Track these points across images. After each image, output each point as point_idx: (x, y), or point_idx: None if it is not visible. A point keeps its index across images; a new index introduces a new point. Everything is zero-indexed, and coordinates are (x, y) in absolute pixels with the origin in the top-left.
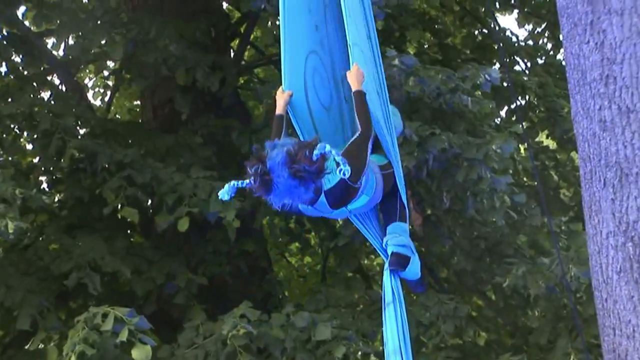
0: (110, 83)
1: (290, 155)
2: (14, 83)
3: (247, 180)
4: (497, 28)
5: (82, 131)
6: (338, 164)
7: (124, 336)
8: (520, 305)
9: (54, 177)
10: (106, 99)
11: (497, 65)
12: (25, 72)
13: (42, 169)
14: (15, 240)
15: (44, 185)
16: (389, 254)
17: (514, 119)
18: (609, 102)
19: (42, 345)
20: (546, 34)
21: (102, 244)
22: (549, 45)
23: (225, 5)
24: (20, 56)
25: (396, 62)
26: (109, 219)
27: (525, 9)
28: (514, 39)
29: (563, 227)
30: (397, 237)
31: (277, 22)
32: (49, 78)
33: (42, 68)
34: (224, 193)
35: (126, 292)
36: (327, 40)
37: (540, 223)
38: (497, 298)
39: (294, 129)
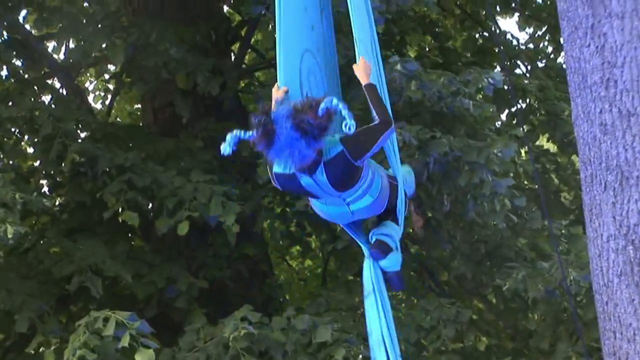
0: (110, 87)
1: (295, 108)
2: (14, 87)
3: (250, 132)
4: (497, 31)
5: (82, 135)
6: (344, 119)
7: (125, 341)
8: (520, 308)
9: (54, 181)
10: (107, 102)
11: (498, 69)
12: (26, 76)
13: (43, 172)
14: (15, 244)
15: (45, 189)
16: (372, 242)
17: (514, 122)
18: (609, 105)
19: (43, 349)
20: (547, 37)
21: (102, 247)
22: (550, 49)
23: (225, 8)
24: (21, 60)
25: (398, 67)
26: (109, 223)
27: (526, 12)
28: (515, 42)
29: (563, 231)
30: (384, 228)
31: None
32: (49, 82)
33: (42, 72)
34: (226, 146)
35: (127, 295)
36: (323, 40)
37: (540, 226)
38: (497, 301)
39: None
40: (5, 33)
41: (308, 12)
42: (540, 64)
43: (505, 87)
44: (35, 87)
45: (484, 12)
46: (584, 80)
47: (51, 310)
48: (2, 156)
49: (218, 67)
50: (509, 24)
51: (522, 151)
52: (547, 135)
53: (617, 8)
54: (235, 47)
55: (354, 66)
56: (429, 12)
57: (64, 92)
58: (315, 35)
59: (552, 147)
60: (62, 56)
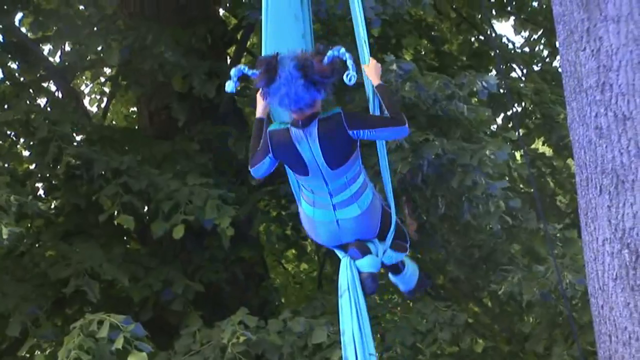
0: (106, 90)
1: (302, 54)
2: (10, 90)
3: (254, 70)
4: (493, 35)
5: (78, 138)
6: (347, 69)
7: (119, 344)
8: (516, 312)
9: (50, 184)
10: (102, 105)
11: (494, 72)
12: (22, 79)
13: (39, 175)
14: (11, 246)
15: (41, 192)
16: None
17: (510, 125)
18: (605, 109)
19: (38, 352)
20: (542, 41)
21: (98, 251)
22: (545, 52)
23: (222, 12)
24: (17, 63)
25: (394, 67)
26: (105, 226)
27: (522, 16)
28: (510, 45)
29: (558, 234)
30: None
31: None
32: (45, 85)
33: (38, 75)
34: (230, 83)
35: (123, 298)
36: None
37: (535, 227)
38: (493, 305)
39: None
40: (0, 36)
41: (298, 21)
42: (536, 68)
43: (501, 91)
44: (31, 90)
45: (479, 16)
46: (579, 84)
47: (45, 313)
48: None
49: (214, 70)
50: (504, 28)
51: (518, 155)
52: (542, 138)
53: (613, 12)
54: (232, 50)
55: (364, 66)
56: (425, 16)
57: (60, 95)
58: (305, 43)
59: (547, 151)
60: (57, 59)
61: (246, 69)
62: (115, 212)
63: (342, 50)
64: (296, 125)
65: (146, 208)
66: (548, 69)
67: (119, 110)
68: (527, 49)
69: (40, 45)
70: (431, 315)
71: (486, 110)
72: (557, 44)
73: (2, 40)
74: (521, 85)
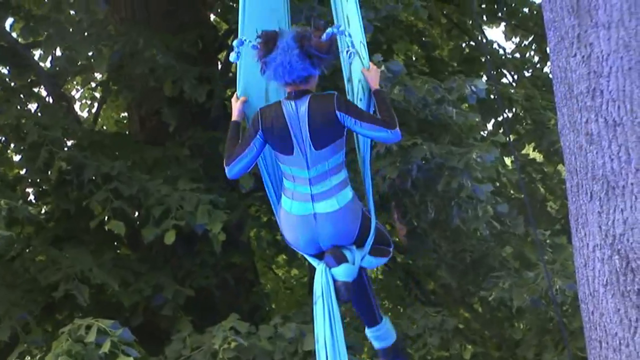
0: (97, 95)
1: (303, 29)
2: (0, 95)
3: (254, 43)
4: (484, 41)
5: (69, 143)
6: (348, 47)
7: (106, 348)
8: (506, 317)
9: (40, 189)
10: (93, 110)
11: (485, 78)
12: (12, 84)
13: (29, 181)
14: (1, 251)
15: (31, 197)
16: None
17: (500, 131)
18: (595, 115)
19: (28, 358)
20: (533, 47)
21: (89, 256)
22: (536, 58)
23: (212, 17)
24: (7, 68)
25: (382, 68)
26: (96, 231)
27: (513, 22)
28: (501, 51)
29: (548, 240)
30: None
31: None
32: (36, 90)
33: (29, 80)
34: (233, 54)
35: (113, 304)
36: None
37: (523, 232)
38: (483, 310)
39: None
40: None
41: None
42: (526, 74)
43: (492, 96)
44: (22, 95)
45: (470, 22)
46: (570, 90)
47: (36, 319)
48: None
49: (205, 75)
50: (495, 34)
51: (509, 160)
52: (533, 144)
53: (604, 18)
54: (222, 55)
55: (364, 70)
56: (416, 22)
57: (51, 100)
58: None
59: (538, 157)
60: (48, 64)
61: (246, 40)
62: (106, 218)
63: (342, 27)
64: (289, 97)
65: (137, 213)
66: (539, 75)
67: (110, 115)
68: (517, 55)
69: (31, 50)
70: (421, 320)
71: (476, 115)
72: (548, 50)
73: None
74: (512, 91)
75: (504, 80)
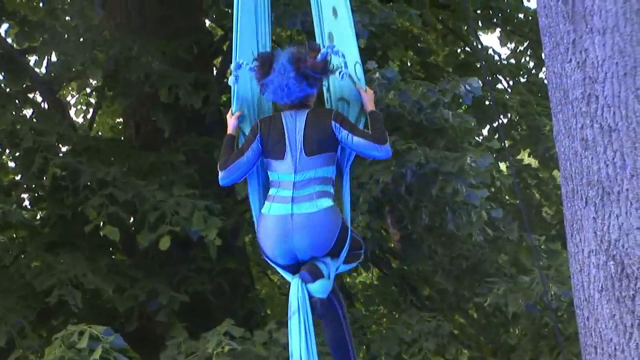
0: (92, 100)
1: (298, 50)
2: None
3: (252, 65)
4: (479, 46)
5: (64, 149)
6: (340, 67)
7: (97, 354)
8: (502, 323)
9: (35, 195)
10: (88, 116)
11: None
12: (8, 90)
13: (24, 186)
14: None
15: (26, 203)
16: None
17: (496, 137)
18: (590, 120)
19: None
20: (528, 53)
21: (83, 261)
22: (531, 64)
23: (207, 22)
24: (2, 74)
25: (377, 75)
26: (91, 237)
27: (508, 28)
28: (497, 57)
29: (543, 246)
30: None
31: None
32: (31, 96)
33: (24, 85)
34: (232, 77)
35: (108, 309)
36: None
37: (518, 238)
38: (479, 316)
39: None
40: None
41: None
42: (522, 79)
43: (487, 102)
44: (17, 101)
45: (466, 27)
46: (565, 96)
47: (31, 324)
48: None
49: (200, 81)
50: (491, 39)
51: (504, 166)
52: (528, 150)
53: (599, 24)
54: (218, 61)
55: (362, 92)
56: (411, 27)
57: (46, 106)
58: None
59: (533, 162)
60: (44, 70)
61: (244, 62)
62: (101, 223)
63: (336, 48)
64: (290, 109)
65: (132, 219)
66: (534, 81)
67: (105, 121)
68: (513, 61)
69: (27, 56)
70: (416, 325)
71: (471, 119)
72: (543, 56)
73: None
74: (507, 96)
75: (499, 86)
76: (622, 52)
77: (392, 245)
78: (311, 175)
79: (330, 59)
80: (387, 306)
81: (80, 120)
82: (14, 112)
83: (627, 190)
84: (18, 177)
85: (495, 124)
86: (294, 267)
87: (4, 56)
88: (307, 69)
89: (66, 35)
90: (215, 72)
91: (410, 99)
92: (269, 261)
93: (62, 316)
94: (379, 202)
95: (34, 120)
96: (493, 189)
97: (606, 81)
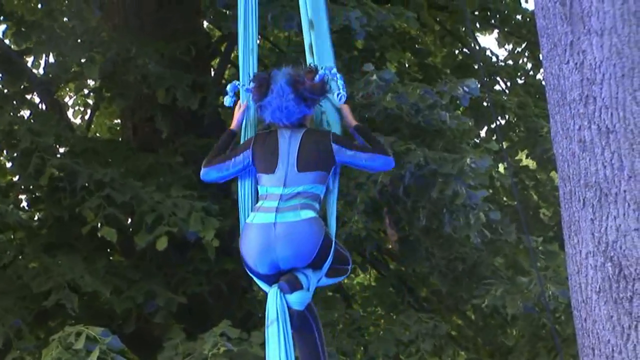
0: (90, 101)
1: (295, 71)
2: None
3: (249, 86)
4: (477, 48)
5: (61, 150)
6: (337, 89)
7: (94, 356)
8: (499, 325)
9: (33, 196)
10: (86, 117)
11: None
12: (5, 91)
13: (22, 187)
14: None
15: (24, 204)
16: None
17: (494, 138)
18: (588, 122)
19: None
20: (526, 54)
21: (81, 263)
22: (529, 65)
23: (205, 24)
24: (0, 74)
25: (374, 77)
26: (88, 238)
27: (506, 29)
28: (494, 58)
29: (541, 247)
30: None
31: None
32: (28, 96)
33: (22, 86)
34: (227, 98)
35: (106, 310)
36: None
37: (515, 240)
38: (476, 318)
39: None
40: None
41: None
42: (519, 81)
43: (485, 104)
44: (14, 102)
45: (463, 29)
46: (563, 97)
47: (28, 326)
48: None
49: (198, 83)
50: (488, 41)
51: (501, 167)
52: (526, 151)
53: (597, 25)
54: (215, 62)
55: (342, 106)
56: (408, 29)
57: (44, 107)
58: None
59: (531, 164)
60: (41, 71)
61: (240, 84)
62: (99, 225)
63: (334, 70)
64: (287, 127)
65: (129, 220)
66: (532, 82)
67: (103, 122)
68: (510, 62)
69: (24, 57)
70: (414, 326)
71: (469, 120)
72: (541, 57)
73: None
74: (505, 98)
75: (497, 87)
76: (619, 54)
77: (390, 246)
78: (299, 190)
79: (328, 80)
80: (385, 307)
81: (77, 121)
82: (11, 113)
83: (624, 191)
84: (16, 178)
85: (492, 126)
86: (274, 278)
87: (2, 57)
88: (306, 91)
89: (64, 35)
90: (212, 73)
91: (407, 101)
92: (248, 271)
93: (59, 317)
94: (376, 203)
95: (32, 121)
96: (491, 191)
97: (604, 83)
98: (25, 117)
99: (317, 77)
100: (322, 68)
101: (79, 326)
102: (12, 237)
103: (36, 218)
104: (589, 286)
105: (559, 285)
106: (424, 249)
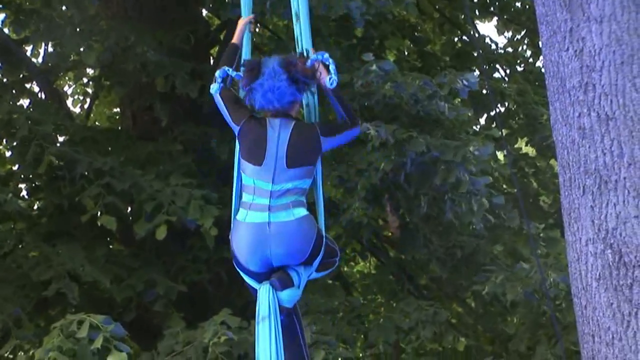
0: (89, 90)
1: (287, 56)
2: None
3: (238, 72)
4: (476, 35)
5: (61, 139)
6: (329, 74)
7: (98, 343)
8: (500, 312)
9: (33, 185)
10: (85, 106)
11: (477, 72)
12: (4, 80)
13: (22, 176)
14: None
15: (24, 193)
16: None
17: (493, 126)
18: (588, 109)
19: (21, 353)
20: (525, 41)
21: (81, 252)
22: (529, 53)
23: (204, 12)
24: None
25: (374, 67)
26: (88, 227)
27: (505, 16)
28: (494, 46)
29: (541, 234)
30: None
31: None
32: (28, 85)
33: (21, 75)
34: (215, 85)
35: (106, 299)
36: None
37: (518, 227)
38: (476, 305)
39: None
40: None
41: None
42: (519, 68)
43: (484, 91)
44: (14, 91)
45: (462, 16)
46: (562, 84)
47: (28, 315)
48: None
49: (197, 71)
50: (488, 28)
51: (501, 155)
52: (525, 139)
53: (596, 12)
54: (215, 50)
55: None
56: (407, 16)
57: (43, 96)
58: None
59: (531, 151)
60: (40, 60)
61: (230, 70)
62: (98, 213)
63: (326, 55)
64: (275, 116)
65: (129, 209)
66: (531, 70)
67: (102, 111)
68: (510, 50)
69: (23, 45)
70: (414, 313)
71: (468, 110)
72: (540, 44)
73: None
74: (504, 85)
75: (496, 74)
76: (619, 41)
77: (391, 233)
78: (288, 187)
79: (319, 66)
80: (385, 295)
81: (77, 110)
82: (10, 102)
83: (624, 178)
84: (15, 167)
85: (492, 113)
86: (265, 275)
87: (0, 46)
88: (298, 73)
89: (62, 25)
90: (212, 61)
91: (406, 91)
92: (238, 267)
93: (59, 306)
94: (377, 190)
95: (31, 110)
96: (491, 178)
97: (603, 70)
98: (25, 106)
99: (309, 62)
100: (314, 53)
101: (81, 314)
102: (12, 226)
103: (36, 207)
104: (589, 273)
105: (560, 271)
106: (422, 236)
